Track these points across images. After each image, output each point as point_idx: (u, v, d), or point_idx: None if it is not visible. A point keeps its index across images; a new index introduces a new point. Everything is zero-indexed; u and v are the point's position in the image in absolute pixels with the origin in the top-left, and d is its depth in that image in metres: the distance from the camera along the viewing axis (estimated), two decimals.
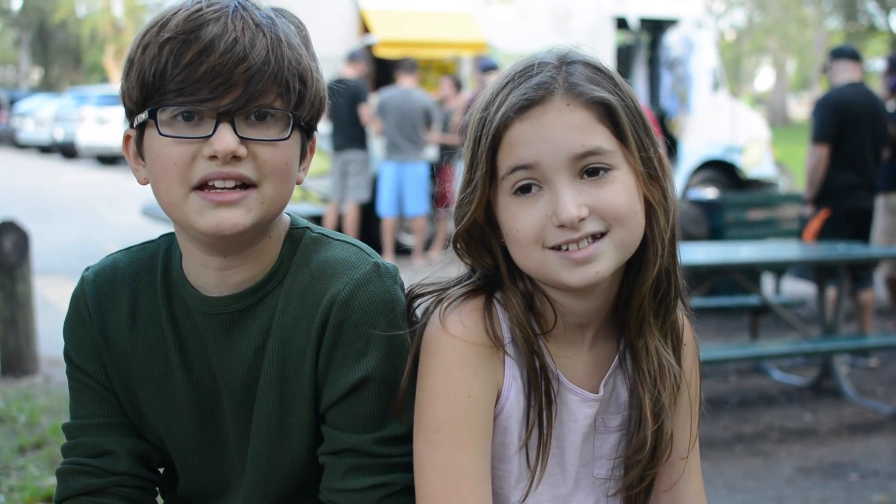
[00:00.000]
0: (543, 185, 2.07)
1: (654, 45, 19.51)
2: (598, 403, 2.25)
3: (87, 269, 2.41)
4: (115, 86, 48.56)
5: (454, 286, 2.25)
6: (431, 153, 15.92)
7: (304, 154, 2.24)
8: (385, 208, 15.40)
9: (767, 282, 11.63)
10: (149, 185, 2.20)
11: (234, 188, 2.08)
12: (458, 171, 2.25)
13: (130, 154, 2.22)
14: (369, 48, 16.32)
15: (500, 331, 2.17)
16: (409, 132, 15.17)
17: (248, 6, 2.13)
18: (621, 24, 18.42)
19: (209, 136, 2.06)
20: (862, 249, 9.43)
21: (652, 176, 2.13)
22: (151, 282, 2.33)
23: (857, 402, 8.62)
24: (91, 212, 22.86)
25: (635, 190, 2.10)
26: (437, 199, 16.37)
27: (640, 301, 2.19)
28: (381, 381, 2.17)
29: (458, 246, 2.24)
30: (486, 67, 14.55)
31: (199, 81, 2.03)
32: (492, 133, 2.09)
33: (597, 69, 2.13)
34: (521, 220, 2.08)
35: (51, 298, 12.19)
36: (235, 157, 2.06)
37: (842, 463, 7.20)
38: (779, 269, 10.89)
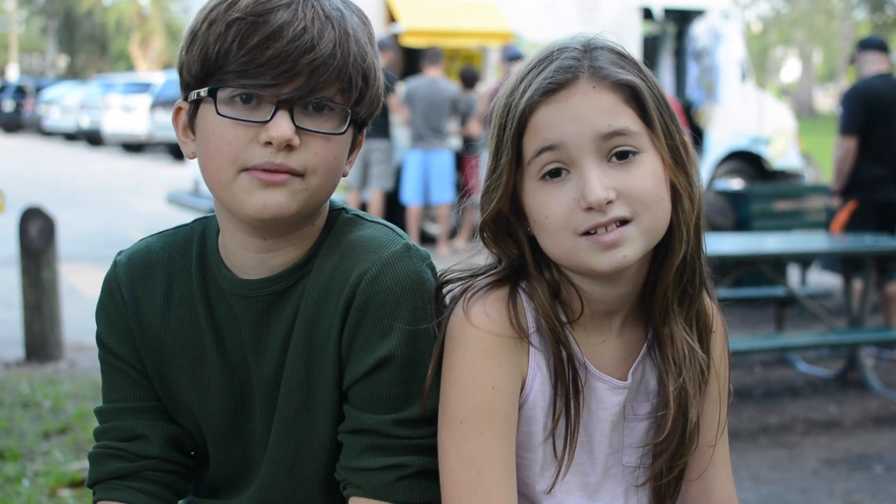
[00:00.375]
0: (571, 167, 2.05)
1: (681, 35, 19.44)
2: (627, 391, 2.23)
3: (119, 252, 2.40)
4: (141, 74, 48.78)
5: (481, 275, 2.23)
6: (455, 142, 15.91)
7: (353, 148, 2.24)
8: (410, 196, 15.40)
9: (793, 273, 11.59)
10: (191, 163, 2.20)
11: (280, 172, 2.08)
12: (483, 160, 2.23)
13: (180, 126, 2.22)
14: (395, 37, 16.31)
15: (524, 321, 2.15)
16: (435, 121, 15.17)
17: None
18: (647, 14, 18.36)
19: (266, 122, 2.05)
20: (889, 241, 9.37)
21: (678, 162, 2.12)
22: (186, 265, 2.32)
23: (882, 394, 8.58)
24: (116, 199, 22.95)
25: (662, 175, 2.09)
26: (463, 189, 16.40)
27: (665, 288, 2.18)
28: (403, 361, 2.15)
29: (485, 235, 2.22)
30: (512, 57, 14.54)
31: (263, 66, 2.03)
32: (517, 117, 2.08)
33: (620, 55, 2.12)
34: (549, 206, 2.07)
35: (76, 285, 12.24)
36: (289, 146, 2.06)
37: (867, 455, 7.17)
38: (805, 260, 10.84)
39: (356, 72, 2.11)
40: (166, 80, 35.47)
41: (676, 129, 2.13)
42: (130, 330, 2.32)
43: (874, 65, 10.13)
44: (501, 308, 2.14)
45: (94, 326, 2.39)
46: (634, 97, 2.07)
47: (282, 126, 2.04)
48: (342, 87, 2.10)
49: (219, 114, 2.07)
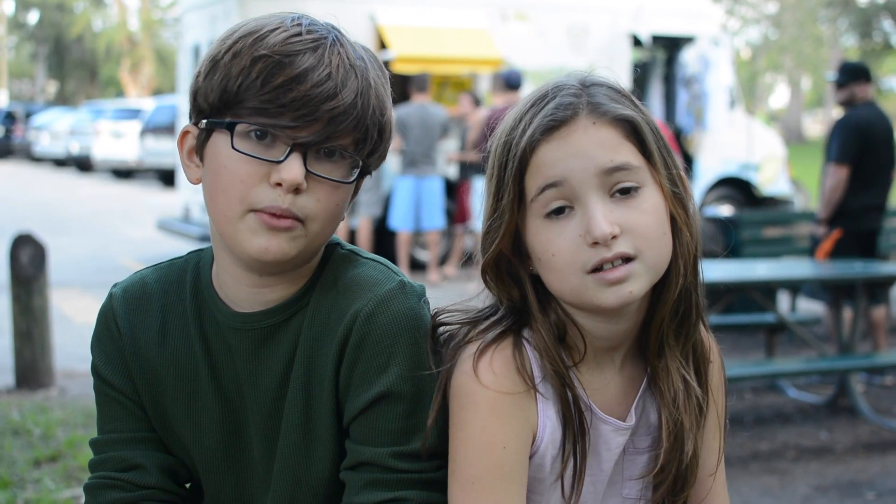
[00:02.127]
0: (575, 203, 2.05)
1: (671, 62, 19.52)
2: (630, 430, 2.24)
3: (114, 285, 2.41)
4: (131, 100, 48.73)
5: (482, 320, 2.22)
6: (445, 168, 15.91)
7: (354, 193, 2.25)
8: (400, 223, 15.39)
9: (783, 299, 11.61)
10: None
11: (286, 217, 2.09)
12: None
13: (185, 149, 2.22)
14: (386, 64, 16.32)
15: (531, 370, 2.15)
16: (427, 147, 15.18)
17: (344, 41, 2.14)
18: (637, 41, 18.43)
19: (280, 162, 2.06)
20: (879, 268, 9.40)
21: (676, 195, 2.13)
22: (181, 298, 2.33)
23: (873, 420, 8.59)
24: (106, 225, 22.93)
25: (663, 210, 2.10)
26: (455, 216, 16.44)
27: (661, 321, 2.18)
28: (400, 396, 2.15)
29: (488, 278, 2.22)
30: (509, 78, 14.45)
31: (284, 107, 2.04)
32: (518, 156, 2.08)
33: (617, 91, 2.13)
34: (555, 243, 2.07)
35: (66, 311, 12.23)
36: (297, 189, 2.07)
37: (858, 481, 7.17)
38: (794, 286, 10.86)
39: (373, 124, 2.13)
40: (156, 106, 35.51)
41: (673, 162, 2.14)
42: (126, 361, 2.32)
43: (864, 93, 10.16)
44: (508, 363, 2.13)
45: (85, 353, 2.40)
46: (633, 132, 2.08)
47: (294, 169, 2.05)
48: (358, 138, 2.12)
49: (234, 148, 2.08)
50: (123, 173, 37.86)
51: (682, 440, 2.21)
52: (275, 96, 2.04)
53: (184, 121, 12.97)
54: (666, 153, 2.13)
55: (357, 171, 2.16)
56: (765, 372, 8.78)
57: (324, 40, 2.10)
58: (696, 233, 2.18)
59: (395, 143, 14.56)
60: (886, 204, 10.22)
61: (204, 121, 2.14)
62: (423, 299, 2.25)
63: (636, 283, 2.06)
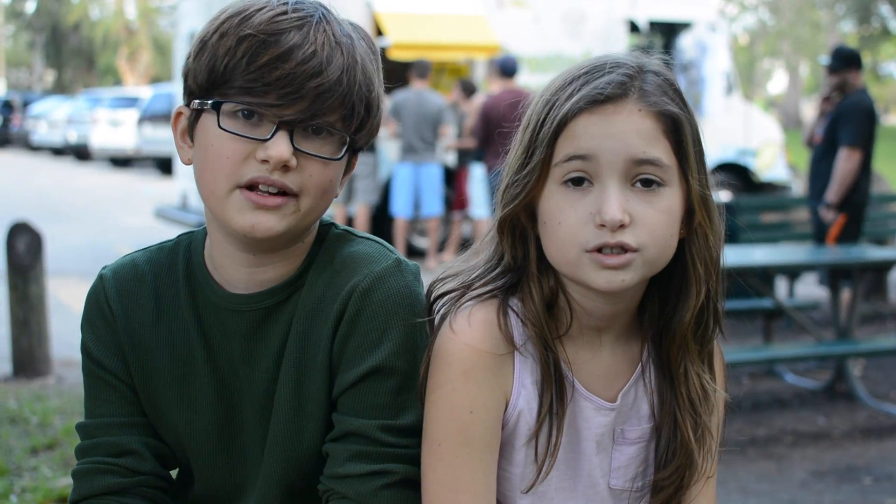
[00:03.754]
0: (595, 180, 2.04)
1: (668, 48, 19.47)
2: (615, 413, 2.23)
3: (104, 267, 2.39)
4: (129, 88, 48.68)
5: (475, 281, 2.23)
6: (443, 156, 15.90)
7: (346, 171, 2.26)
8: (400, 209, 15.40)
9: (781, 285, 11.60)
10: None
11: (275, 194, 2.10)
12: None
13: (178, 131, 2.24)
14: (383, 51, 16.30)
15: (511, 333, 2.15)
16: (425, 133, 15.17)
17: (331, 19, 2.14)
18: (634, 27, 18.40)
19: (266, 140, 2.08)
20: (878, 252, 9.40)
21: (705, 199, 2.13)
22: (173, 280, 2.32)
23: (870, 405, 8.59)
24: (104, 214, 22.92)
25: (678, 213, 2.09)
26: (453, 203, 16.44)
27: (685, 329, 2.18)
28: (392, 372, 2.16)
29: (504, 231, 2.20)
30: (505, 64, 14.41)
31: (270, 86, 2.05)
32: (559, 119, 2.06)
33: (671, 84, 2.12)
34: (565, 213, 2.06)
35: (63, 300, 12.22)
36: (286, 166, 2.08)
37: (855, 467, 7.18)
38: (792, 272, 10.86)
39: (360, 100, 2.14)
40: (154, 94, 35.46)
41: (705, 170, 2.14)
42: (120, 343, 2.32)
43: (856, 80, 10.22)
44: (488, 320, 2.14)
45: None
46: (675, 129, 2.07)
47: (280, 146, 2.06)
48: (344, 114, 2.12)
49: (220, 127, 2.09)
50: (121, 162, 37.84)
51: (701, 442, 2.22)
52: (260, 75, 2.05)
53: None
54: (701, 158, 2.12)
55: (345, 148, 2.16)
56: (762, 357, 8.79)
57: (310, 18, 2.10)
58: (720, 239, 2.17)
59: (389, 128, 14.61)
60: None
61: (193, 101, 2.15)
62: (419, 278, 2.26)
63: (630, 274, 2.05)
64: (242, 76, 2.06)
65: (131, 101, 37.96)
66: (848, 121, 10.13)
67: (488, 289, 2.21)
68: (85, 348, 2.35)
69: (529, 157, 2.11)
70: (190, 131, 2.20)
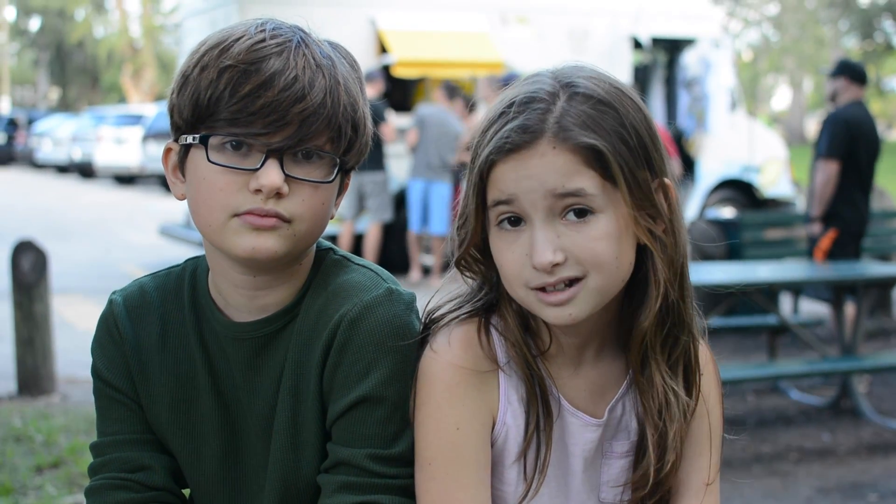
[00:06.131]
0: (525, 220, 2.05)
1: (671, 64, 19.50)
2: (601, 428, 2.22)
3: (113, 292, 2.41)
4: (133, 106, 48.68)
5: (462, 305, 2.24)
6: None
7: (340, 191, 2.27)
8: (411, 223, 15.47)
9: (785, 301, 11.60)
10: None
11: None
12: (463, 189, 2.23)
13: (169, 167, 2.24)
14: (387, 68, 16.34)
15: (493, 351, 2.16)
16: (444, 152, 15.19)
17: (310, 42, 2.15)
18: (638, 44, 18.42)
19: (256, 170, 2.08)
20: (881, 268, 9.39)
21: (651, 214, 2.08)
22: (179, 306, 2.34)
23: (876, 422, 8.58)
24: (108, 231, 22.93)
25: (621, 234, 2.05)
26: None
27: (642, 336, 2.15)
28: (380, 401, 2.15)
29: (462, 265, 2.21)
30: (507, 81, 14.46)
31: (254, 115, 2.06)
32: (477, 170, 2.08)
33: (599, 101, 2.05)
34: (504, 255, 2.08)
35: (68, 318, 12.23)
36: (278, 193, 2.09)
37: (861, 483, 7.17)
38: (796, 288, 10.85)
39: (346, 121, 2.14)
40: (158, 111, 35.48)
41: (657, 174, 2.09)
42: (129, 366, 2.33)
43: (853, 93, 10.24)
44: (468, 339, 2.16)
45: (87, 359, 2.39)
46: (598, 158, 2.02)
47: (271, 175, 2.07)
48: (332, 136, 2.13)
49: (210, 161, 2.10)
50: (126, 179, 37.92)
51: (664, 450, 2.20)
52: (244, 105, 2.05)
53: None
54: (642, 169, 2.06)
55: (336, 170, 2.17)
56: (767, 374, 8.78)
57: (288, 43, 2.11)
58: (681, 247, 2.14)
59: (410, 138, 14.62)
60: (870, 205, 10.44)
61: (181, 136, 2.16)
62: (412, 307, 2.25)
63: (577, 307, 2.05)
64: (227, 107, 2.06)
65: (135, 119, 38.01)
66: (824, 131, 10.25)
67: (467, 309, 2.22)
68: (95, 371, 2.37)
69: (466, 205, 2.13)
70: (181, 166, 2.21)
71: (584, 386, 2.22)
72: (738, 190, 19.01)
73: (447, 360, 2.13)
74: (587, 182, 2.01)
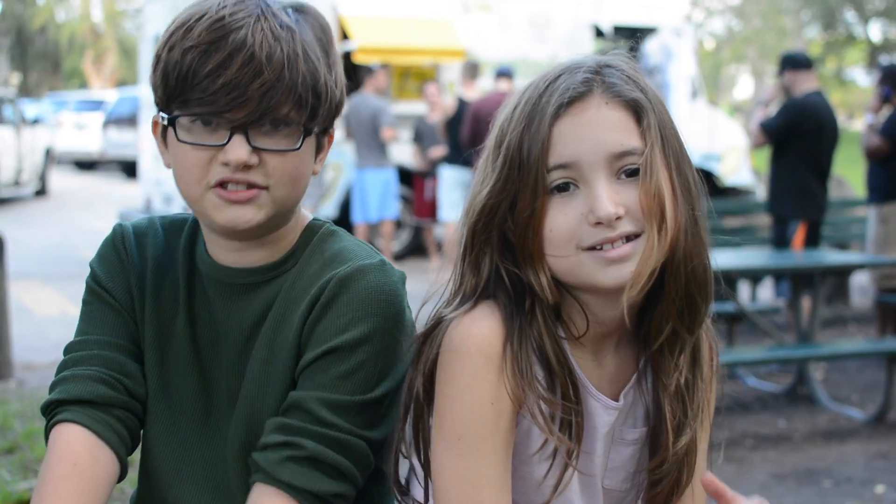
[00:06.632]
0: (581, 184, 2.05)
1: (633, 52, 19.46)
2: (618, 412, 2.22)
3: (119, 224, 2.48)
4: (94, 91, 48.27)
5: (473, 292, 2.19)
6: (389, 158, 15.82)
7: (321, 148, 2.32)
8: (355, 216, 15.53)
9: (743, 289, 11.65)
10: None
11: (246, 188, 2.17)
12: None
13: (158, 138, 2.31)
14: (348, 55, 16.31)
15: (523, 333, 2.13)
16: (364, 138, 15.27)
17: (269, 14, 2.18)
18: (599, 32, 18.45)
19: (223, 145, 2.15)
20: (839, 256, 9.45)
21: (682, 182, 2.12)
22: (176, 245, 2.40)
23: (831, 409, 8.64)
24: (68, 217, 22.82)
25: (671, 193, 2.08)
26: (415, 208, 16.49)
27: (663, 316, 2.15)
28: (347, 357, 2.17)
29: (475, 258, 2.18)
30: (502, 73, 14.46)
31: (216, 94, 2.11)
32: (542, 137, 2.06)
33: (629, 76, 2.14)
34: (556, 219, 2.06)
35: (26, 303, 12.17)
36: (247, 166, 2.15)
37: (816, 469, 7.22)
38: (755, 276, 10.91)
39: (306, 90, 2.18)
40: (119, 97, 35.36)
41: (687, 161, 2.15)
42: (129, 282, 2.38)
43: (807, 83, 10.31)
44: (501, 324, 2.12)
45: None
46: (644, 115, 2.08)
47: (238, 150, 2.14)
48: (294, 106, 2.17)
49: (179, 140, 2.18)
50: (86, 165, 37.67)
51: (681, 434, 2.21)
52: (207, 85, 2.11)
53: (147, 112, 12.91)
54: (678, 146, 2.13)
55: (303, 136, 2.20)
56: (724, 361, 8.67)
57: (248, 18, 2.14)
58: (701, 234, 2.18)
59: (347, 134, 14.69)
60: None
61: (159, 114, 2.24)
62: (402, 283, 2.29)
63: (636, 265, 2.04)
64: (192, 87, 2.12)
65: (97, 105, 37.79)
66: (778, 114, 10.49)
67: (492, 300, 2.17)
68: (94, 278, 2.40)
69: (519, 181, 2.08)
70: (164, 138, 2.28)
71: (604, 374, 2.22)
72: (699, 178, 19.04)
73: (483, 333, 2.10)
74: (639, 142, 2.06)
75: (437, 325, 2.17)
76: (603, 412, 2.21)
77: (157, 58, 2.19)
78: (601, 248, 2.04)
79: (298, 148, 2.20)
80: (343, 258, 2.27)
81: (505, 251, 2.15)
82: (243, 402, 2.27)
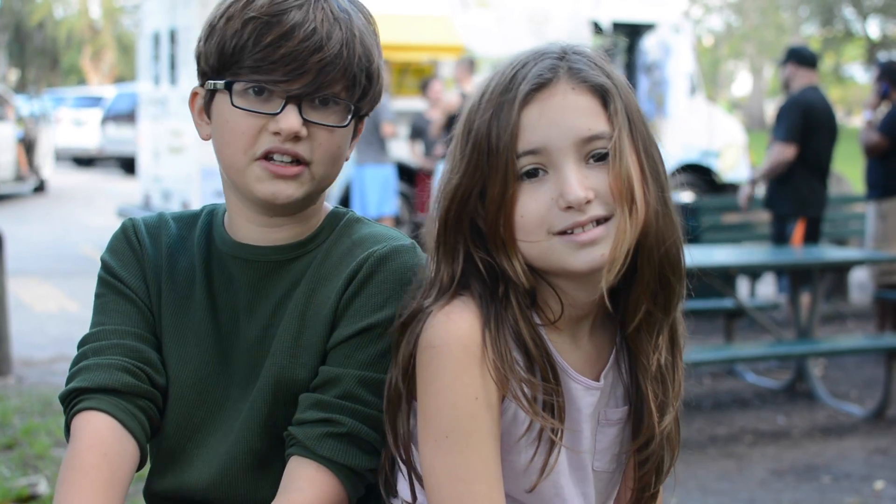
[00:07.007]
0: (550, 169, 2.07)
1: (632, 49, 19.54)
2: (599, 392, 2.23)
3: (128, 219, 2.53)
4: (92, 88, 48.20)
5: (446, 287, 2.19)
6: (388, 155, 15.79)
7: (355, 135, 2.41)
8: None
9: (742, 285, 11.66)
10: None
11: (290, 163, 2.25)
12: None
13: (196, 109, 2.39)
14: None
15: (499, 322, 2.13)
16: (364, 134, 15.14)
17: None
18: (598, 28, 18.45)
19: (277, 114, 2.22)
20: (838, 252, 9.45)
21: (650, 170, 2.13)
22: (191, 233, 2.45)
23: (830, 404, 8.65)
24: (67, 213, 22.81)
25: (640, 176, 2.10)
26: (416, 204, 16.49)
27: (638, 298, 2.17)
28: (384, 335, 2.24)
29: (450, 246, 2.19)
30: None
31: (276, 63, 2.19)
32: (512, 123, 2.07)
33: (594, 61, 2.15)
34: (527, 206, 2.08)
35: (25, 300, 12.17)
36: (297, 136, 2.23)
37: (814, 465, 7.23)
38: (753, 272, 10.91)
39: (360, 71, 2.27)
40: (117, 94, 35.33)
41: (652, 143, 2.17)
42: (144, 271, 2.42)
43: (805, 78, 10.29)
44: (474, 317, 2.12)
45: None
46: (610, 100, 2.09)
47: (290, 119, 2.22)
48: (347, 85, 2.26)
49: (234, 105, 2.24)
50: (84, 161, 37.62)
51: (664, 413, 2.23)
52: (266, 54, 2.19)
53: (146, 108, 12.86)
54: (644, 128, 2.15)
55: (351, 115, 2.30)
56: (723, 357, 8.82)
57: None
58: (672, 214, 2.18)
59: None
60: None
61: (207, 82, 2.30)
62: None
63: (607, 247, 2.06)
64: (250, 56, 2.20)
65: (95, 101, 37.72)
66: (781, 118, 10.35)
67: (466, 291, 2.17)
68: (107, 270, 2.43)
69: (489, 168, 2.09)
70: (206, 109, 2.35)
71: (582, 357, 2.23)
72: (697, 174, 19.09)
73: (460, 329, 2.10)
74: (606, 126, 2.08)
75: (414, 316, 2.18)
76: (585, 393, 2.22)
77: (211, 28, 2.26)
78: (572, 233, 2.06)
79: (346, 125, 2.29)
80: (378, 238, 2.35)
81: (476, 239, 2.16)
82: (269, 373, 2.30)
